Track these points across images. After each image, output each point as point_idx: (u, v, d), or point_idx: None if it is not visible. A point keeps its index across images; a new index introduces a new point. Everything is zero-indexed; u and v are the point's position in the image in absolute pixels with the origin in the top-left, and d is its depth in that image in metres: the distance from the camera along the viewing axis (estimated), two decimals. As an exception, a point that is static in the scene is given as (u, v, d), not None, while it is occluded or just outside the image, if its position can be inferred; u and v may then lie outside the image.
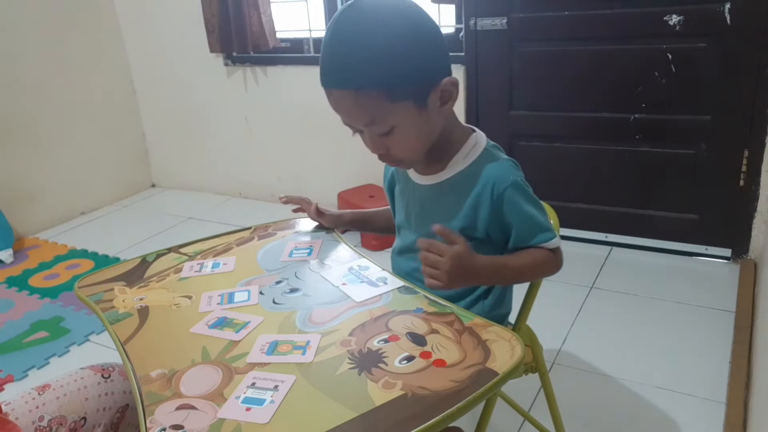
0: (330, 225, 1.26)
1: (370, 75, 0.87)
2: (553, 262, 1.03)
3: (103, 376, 0.97)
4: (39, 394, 0.90)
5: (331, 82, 0.90)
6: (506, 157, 1.03)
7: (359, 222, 1.31)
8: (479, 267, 0.94)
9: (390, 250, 1.18)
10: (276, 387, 0.75)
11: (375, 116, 0.91)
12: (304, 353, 0.82)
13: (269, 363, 0.80)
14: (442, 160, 1.03)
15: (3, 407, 0.87)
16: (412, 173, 1.09)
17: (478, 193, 0.99)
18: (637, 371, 1.68)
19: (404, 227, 1.13)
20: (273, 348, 0.83)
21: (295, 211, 1.31)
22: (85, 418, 0.92)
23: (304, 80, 2.87)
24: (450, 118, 1.01)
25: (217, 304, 0.98)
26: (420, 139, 0.97)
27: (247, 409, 0.71)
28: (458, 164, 1.02)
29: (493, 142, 1.05)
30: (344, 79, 0.88)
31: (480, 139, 1.04)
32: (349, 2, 0.89)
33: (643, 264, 2.30)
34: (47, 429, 0.88)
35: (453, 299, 0.97)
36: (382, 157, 1.00)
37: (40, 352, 1.96)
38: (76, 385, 0.93)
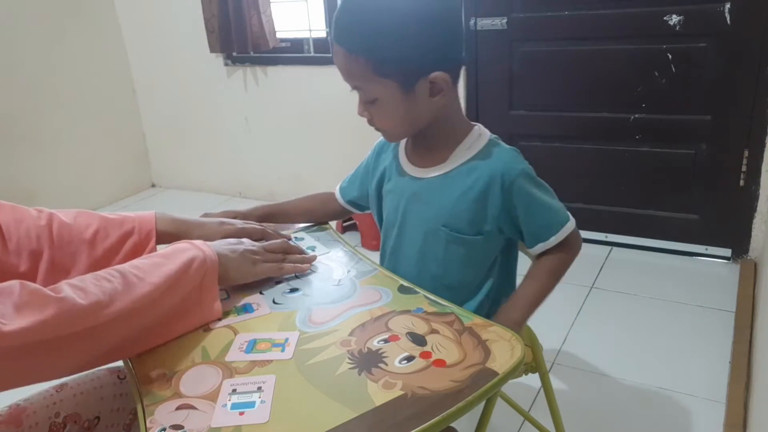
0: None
1: (363, 43, 0.91)
2: (568, 254, 1.04)
3: (119, 377, 0.98)
4: (56, 391, 0.92)
5: (334, 35, 0.94)
6: (508, 146, 1.03)
7: (274, 216, 1.23)
8: (509, 317, 0.97)
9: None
10: (259, 388, 0.75)
11: (360, 83, 0.95)
12: (283, 350, 0.82)
13: (247, 361, 0.80)
14: (444, 151, 1.02)
15: (22, 402, 0.89)
16: (409, 167, 1.07)
17: (487, 184, 0.98)
18: (637, 371, 1.68)
19: (394, 225, 1.09)
20: (252, 346, 0.83)
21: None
22: (99, 417, 0.93)
23: (304, 80, 2.87)
24: (453, 111, 1.01)
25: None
26: (401, 120, 0.98)
27: (241, 414, 0.71)
28: (462, 155, 1.02)
29: (495, 135, 1.05)
30: (343, 37, 0.93)
31: (483, 131, 1.04)
32: None
33: (643, 264, 2.30)
34: (62, 425, 0.89)
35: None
36: (368, 122, 1.02)
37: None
38: (92, 385, 0.95)
